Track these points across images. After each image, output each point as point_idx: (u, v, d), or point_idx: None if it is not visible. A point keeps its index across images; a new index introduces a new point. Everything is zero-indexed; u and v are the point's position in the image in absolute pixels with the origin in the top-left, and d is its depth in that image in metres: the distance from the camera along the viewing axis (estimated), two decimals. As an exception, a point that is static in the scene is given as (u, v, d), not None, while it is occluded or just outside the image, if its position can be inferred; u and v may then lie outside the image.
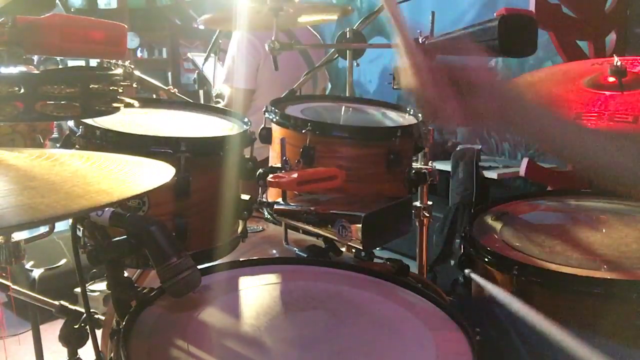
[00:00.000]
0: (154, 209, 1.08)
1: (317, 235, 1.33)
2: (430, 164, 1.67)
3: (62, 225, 2.01)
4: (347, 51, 1.89)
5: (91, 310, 1.05)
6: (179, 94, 2.23)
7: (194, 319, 0.92)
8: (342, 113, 1.58)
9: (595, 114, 1.27)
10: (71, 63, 4.19)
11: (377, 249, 1.32)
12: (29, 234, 1.31)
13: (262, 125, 1.41)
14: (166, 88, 2.17)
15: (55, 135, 2.12)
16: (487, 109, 0.83)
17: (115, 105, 0.93)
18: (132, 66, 1.80)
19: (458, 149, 3.69)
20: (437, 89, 0.84)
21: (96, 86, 0.88)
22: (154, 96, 2.10)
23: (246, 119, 1.30)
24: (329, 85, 3.19)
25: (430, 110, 0.87)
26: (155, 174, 0.75)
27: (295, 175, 1.17)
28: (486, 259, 1.24)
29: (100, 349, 1.04)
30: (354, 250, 1.33)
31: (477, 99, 0.83)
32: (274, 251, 1.43)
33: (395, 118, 1.51)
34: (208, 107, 1.47)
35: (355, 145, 1.31)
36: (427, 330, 0.92)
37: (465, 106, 0.82)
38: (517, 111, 0.85)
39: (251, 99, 2.76)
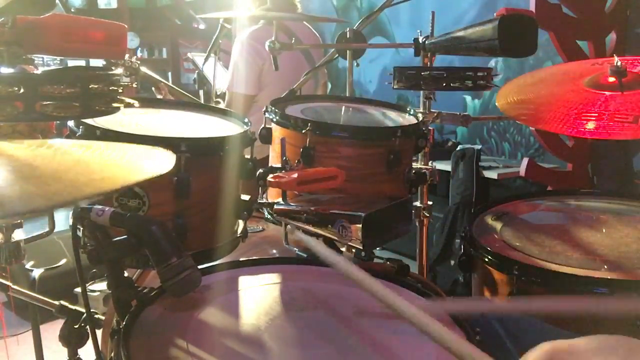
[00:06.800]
0: (154, 209, 1.08)
1: (317, 235, 1.33)
2: (430, 164, 1.67)
3: (62, 225, 2.00)
4: (347, 51, 1.89)
5: (91, 310, 1.05)
6: (180, 90, 2.23)
7: (194, 318, 0.92)
8: (342, 113, 1.58)
9: (595, 114, 1.27)
10: (71, 63, 4.20)
11: (377, 249, 1.32)
12: (29, 233, 1.31)
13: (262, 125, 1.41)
14: (169, 84, 2.17)
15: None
16: None
17: (115, 105, 0.93)
18: (139, 62, 1.80)
19: (458, 149, 3.70)
20: None
21: (96, 86, 0.88)
22: (158, 95, 2.11)
23: (246, 119, 1.30)
24: (329, 85, 3.19)
25: None
26: (156, 162, 0.75)
27: (295, 175, 1.17)
28: (486, 259, 1.24)
29: (100, 348, 1.04)
30: (354, 250, 1.33)
31: None
32: (274, 251, 1.43)
33: (395, 118, 1.52)
34: (208, 107, 1.47)
35: (355, 145, 1.31)
36: (427, 330, 0.92)
37: None
38: None
39: (251, 105, 2.76)
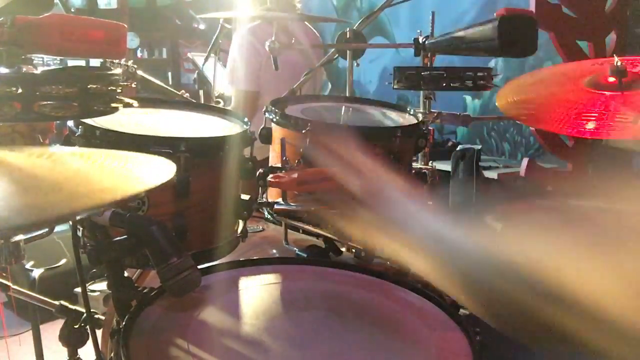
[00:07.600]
0: (154, 209, 1.08)
1: (317, 235, 1.33)
2: (430, 164, 1.67)
3: (62, 225, 2.00)
4: (347, 51, 1.89)
5: (91, 310, 1.05)
6: (189, 98, 2.22)
7: (194, 318, 0.92)
8: (342, 113, 1.58)
9: (595, 114, 1.27)
10: (71, 63, 4.20)
11: (377, 249, 1.32)
12: (29, 233, 1.31)
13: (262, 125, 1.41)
14: (178, 93, 2.16)
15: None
16: None
17: (114, 105, 0.93)
18: (135, 66, 1.80)
19: (458, 149, 3.69)
20: None
21: (95, 86, 0.88)
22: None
23: (246, 119, 1.30)
24: (329, 86, 3.19)
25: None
26: (156, 171, 0.75)
27: (295, 175, 1.17)
28: (486, 259, 1.24)
29: (100, 348, 1.05)
30: (354, 250, 1.33)
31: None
32: (274, 251, 1.43)
33: (395, 118, 1.51)
34: (208, 107, 1.47)
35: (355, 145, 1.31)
36: (427, 330, 0.92)
37: None
38: None
39: (255, 102, 2.76)
